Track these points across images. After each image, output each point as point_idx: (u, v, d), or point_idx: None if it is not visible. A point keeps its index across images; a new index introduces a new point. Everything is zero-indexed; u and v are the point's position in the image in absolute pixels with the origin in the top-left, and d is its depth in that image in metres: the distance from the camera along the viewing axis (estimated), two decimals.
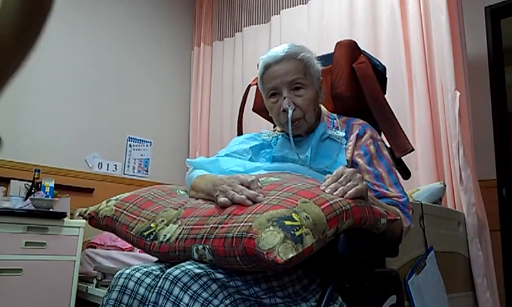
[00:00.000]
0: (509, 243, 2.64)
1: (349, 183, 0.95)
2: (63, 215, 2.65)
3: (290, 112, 1.19)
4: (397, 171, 1.32)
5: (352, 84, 1.42)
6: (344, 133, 1.25)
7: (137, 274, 0.93)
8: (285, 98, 1.21)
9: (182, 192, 1.21)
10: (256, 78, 1.35)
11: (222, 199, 0.94)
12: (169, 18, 4.23)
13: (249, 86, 1.71)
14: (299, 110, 1.21)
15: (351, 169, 1.00)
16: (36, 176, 2.81)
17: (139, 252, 2.62)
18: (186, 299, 0.79)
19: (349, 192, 0.93)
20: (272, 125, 1.51)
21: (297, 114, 1.21)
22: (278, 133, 1.36)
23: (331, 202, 0.89)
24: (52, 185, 2.87)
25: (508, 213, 2.69)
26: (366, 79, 1.41)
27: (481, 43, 2.90)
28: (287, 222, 0.80)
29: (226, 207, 0.92)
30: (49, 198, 2.50)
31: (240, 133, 1.77)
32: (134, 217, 1.07)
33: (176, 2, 4.32)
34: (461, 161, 2.25)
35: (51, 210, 2.59)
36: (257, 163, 1.25)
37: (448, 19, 2.37)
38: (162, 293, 0.81)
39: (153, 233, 1.00)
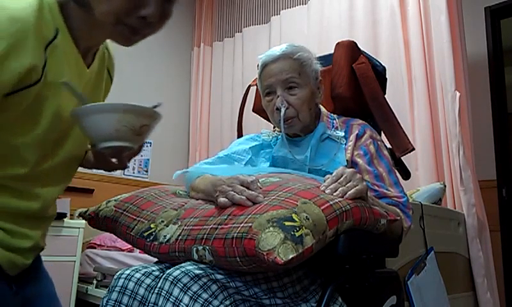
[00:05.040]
0: (509, 243, 2.64)
1: (349, 184, 0.95)
2: (63, 215, 2.65)
3: (282, 110, 1.20)
4: (396, 171, 1.32)
5: (352, 85, 1.42)
6: (343, 133, 1.26)
7: (137, 275, 0.93)
8: (278, 96, 1.22)
9: (182, 192, 1.21)
10: (256, 78, 1.35)
11: (222, 199, 0.94)
12: (169, 19, 4.23)
13: (249, 86, 1.71)
14: (292, 109, 1.22)
15: (351, 169, 1.00)
16: None
17: (139, 252, 2.62)
18: (186, 299, 0.79)
19: (349, 192, 0.93)
20: (272, 125, 1.51)
21: (290, 113, 1.22)
22: (278, 133, 1.36)
23: (331, 202, 0.89)
24: None
25: (508, 213, 2.69)
26: (366, 79, 1.41)
27: (481, 43, 2.90)
28: (287, 223, 0.80)
29: (226, 208, 0.92)
30: None
31: (240, 134, 1.77)
32: (134, 217, 1.07)
33: (177, 2, 4.32)
34: (461, 161, 2.25)
35: None
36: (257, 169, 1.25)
37: (448, 20, 2.37)
38: (162, 293, 0.81)
39: (153, 233, 0.99)
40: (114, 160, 0.96)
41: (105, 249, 2.92)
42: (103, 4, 0.75)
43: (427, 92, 2.56)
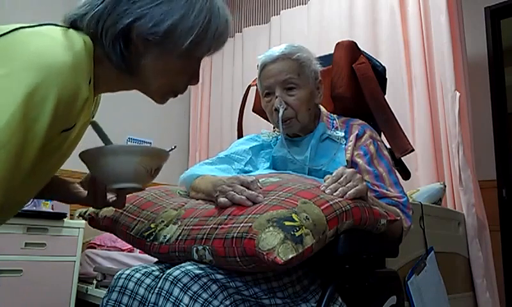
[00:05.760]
0: (509, 243, 2.64)
1: (349, 184, 0.95)
2: (63, 215, 2.65)
3: (281, 111, 1.20)
4: (396, 171, 1.32)
5: (352, 85, 1.42)
6: (343, 134, 1.26)
7: (137, 275, 0.93)
8: (277, 97, 1.22)
9: (182, 192, 1.21)
10: (256, 78, 1.35)
11: (222, 199, 0.94)
12: None
13: (249, 86, 1.71)
14: (290, 110, 1.22)
15: (351, 169, 1.00)
16: None
17: (139, 253, 2.61)
18: (186, 299, 0.79)
19: (349, 192, 0.93)
20: (272, 125, 1.51)
21: (289, 114, 1.22)
22: (278, 133, 1.36)
23: (331, 202, 0.89)
24: None
25: (508, 213, 2.69)
26: (366, 80, 1.41)
27: (481, 43, 2.90)
28: (287, 223, 0.80)
29: (226, 208, 0.92)
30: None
31: (240, 134, 1.77)
32: (134, 217, 1.07)
33: None
34: (460, 162, 2.25)
35: (51, 210, 2.59)
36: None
37: (448, 20, 2.37)
38: (162, 293, 0.81)
39: (153, 233, 0.99)
40: (112, 198, 0.94)
41: (105, 249, 2.92)
42: (161, 79, 0.78)
43: (427, 92, 2.56)
